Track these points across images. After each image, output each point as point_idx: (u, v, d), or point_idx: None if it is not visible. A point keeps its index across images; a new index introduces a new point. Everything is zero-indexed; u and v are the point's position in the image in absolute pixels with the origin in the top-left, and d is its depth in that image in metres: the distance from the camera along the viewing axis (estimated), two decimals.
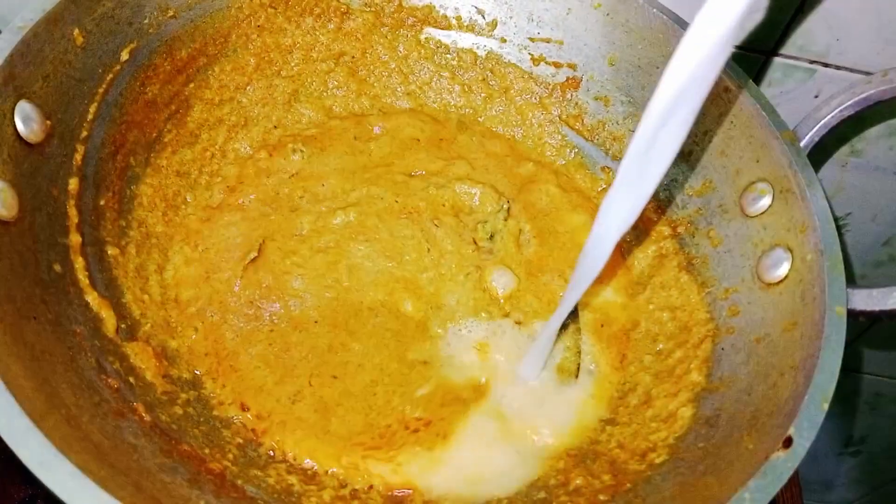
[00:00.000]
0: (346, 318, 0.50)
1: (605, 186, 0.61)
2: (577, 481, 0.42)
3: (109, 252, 0.46)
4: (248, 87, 0.57)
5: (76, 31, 0.44)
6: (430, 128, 0.62)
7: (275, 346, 0.48)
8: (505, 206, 0.57)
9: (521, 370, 0.50)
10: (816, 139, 0.52)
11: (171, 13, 0.52)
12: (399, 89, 0.63)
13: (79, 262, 0.42)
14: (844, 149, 0.74)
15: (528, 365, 0.49)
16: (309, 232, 0.54)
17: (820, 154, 0.75)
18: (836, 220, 0.82)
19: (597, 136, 0.61)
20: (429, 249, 0.54)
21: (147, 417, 0.39)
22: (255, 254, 0.52)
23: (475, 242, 0.56)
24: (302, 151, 0.57)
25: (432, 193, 0.57)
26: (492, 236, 0.56)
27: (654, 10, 0.55)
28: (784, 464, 0.35)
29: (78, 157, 0.45)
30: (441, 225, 0.55)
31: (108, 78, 0.47)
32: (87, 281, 0.42)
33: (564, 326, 0.48)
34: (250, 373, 0.47)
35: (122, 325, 0.43)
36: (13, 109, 0.39)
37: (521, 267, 0.55)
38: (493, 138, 0.63)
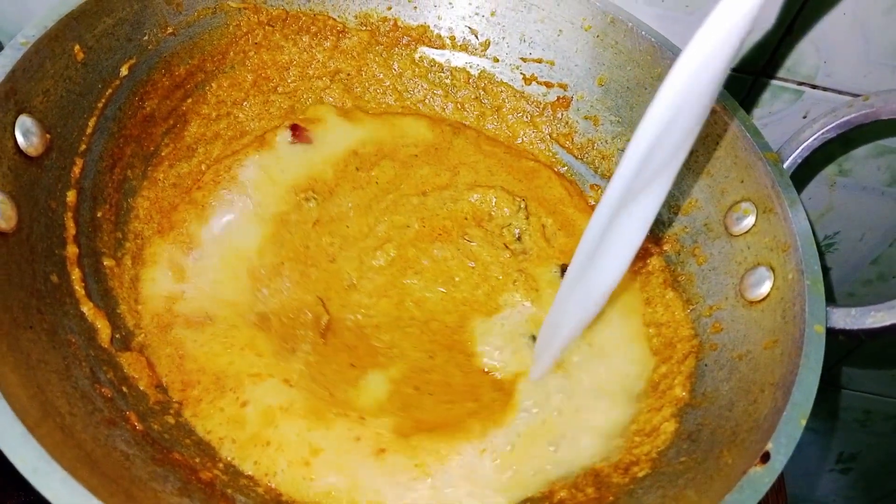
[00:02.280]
0: (445, 349, 0.51)
1: (594, 203, 0.62)
2: (562, 494, 0.43)
3: (105, 263, 0.46)
4: (245, 103, 0.58)
5: (77, 47, 0.45)
6: (425, 139, 0.62)
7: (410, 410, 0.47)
8: (522, 206, 0.58)
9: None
10: (800, 160, 0.53)
11: (170, 30, 0.53)
12: (394, 106, 0.64)
13: (75, 273, 0.43)
14: (832, 168, 0.75)
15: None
16: (359, 280, 0.53)
17: (807, 173, 0.76)
18: (824, 238, 0.83)
19: (586, 155, 0.63)
20: (472, 266, 0.55)
21: (139, 426, 0.39)
22: (327, 316, 0.51)
23: (506, 247, 0.57)
24: (315, 198, 0.56)
25: (451, 209, 0.57)
26: (519, 237, 0.57)
27: (643, 32, 0.56)
28: (761, 478, 0.36)
29: (76, 169, 0.45)
30: (472, 238, 0.56)
31: (107, 93, 0.48)
32: (83, 291, 0.43)
33: None
34: None
35: (117, 336, 0.44)
36: (14, 123, 0.40)
37: (556, 260, 0.57)
38: (487, 139, 0.63)
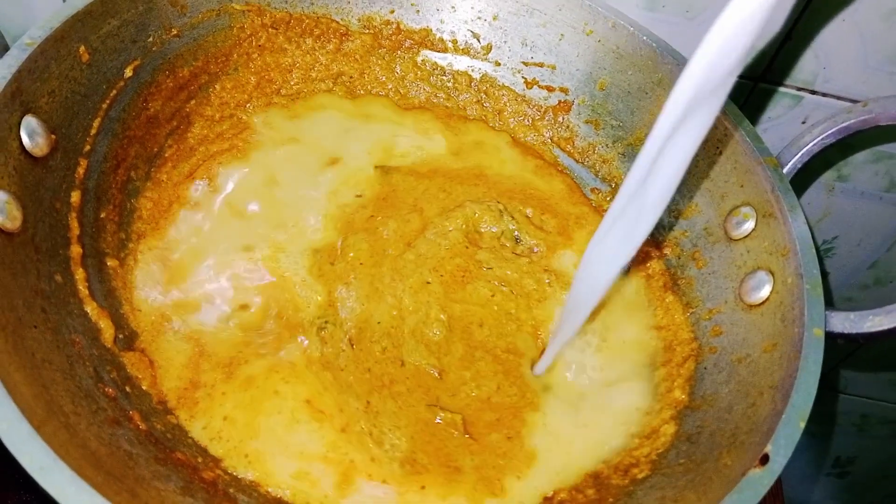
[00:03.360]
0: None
1: (594, 206, 0.62)
2: (562, 495, 0.43)
3: (109, 264, 0.47)
4: (248, 105, 0.58)
5: (82, 49, 0.45)
6: (371, 193, 0.58)
7: None
8: (500, 207, 0.57)
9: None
10: (799, 165, 0.53)
11: (174, 32, 0.53)
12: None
13: (79, 273, 0.43)
14: (831, 174, 0.76)
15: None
16: (441, 362, 0.50)
17: (806, 178, 0.76)
18: (823, 243, 0.84)
19: (587, 159, 0.63)
20: (505, 287, 0.54)
21: (143, 426, 0.40)
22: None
23: (517, 255, 0.56)
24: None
25: (447, 245, 0.55)
26: (518, 239, 0.57)
27: (644, 37, 0.57)
28: (760, 480, 0.36)
29: (80, 170, 0.46)
30: (488, 264, 0.55)
31: (111, 94, 0.48)
32: (87, 292, 0.43)
33: None
34: None
35: (120, 336, 0.44)
36: (19, 123, 0.40)
37: (561, 243, 0.57)
38: (417, 174, 0.60)
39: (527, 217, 0.58)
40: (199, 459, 0.41)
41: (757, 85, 0.67)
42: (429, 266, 0.53)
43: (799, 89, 0.67)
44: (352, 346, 0.49)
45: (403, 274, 0.52)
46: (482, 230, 0.57)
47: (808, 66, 0.65)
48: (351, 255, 0.53)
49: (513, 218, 0.57)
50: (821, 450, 1.23)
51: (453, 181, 0.59)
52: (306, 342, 0.48)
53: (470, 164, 0.61)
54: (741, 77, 0.66)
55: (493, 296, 0.53)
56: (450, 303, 0.52)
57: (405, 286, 0.52)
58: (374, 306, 0.51)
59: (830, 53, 0.64)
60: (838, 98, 0.67)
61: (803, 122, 0.70)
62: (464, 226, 0.56)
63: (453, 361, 0.50)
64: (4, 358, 0.33)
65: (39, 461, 0.30)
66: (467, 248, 0.55)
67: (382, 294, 0.51)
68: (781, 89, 0.67)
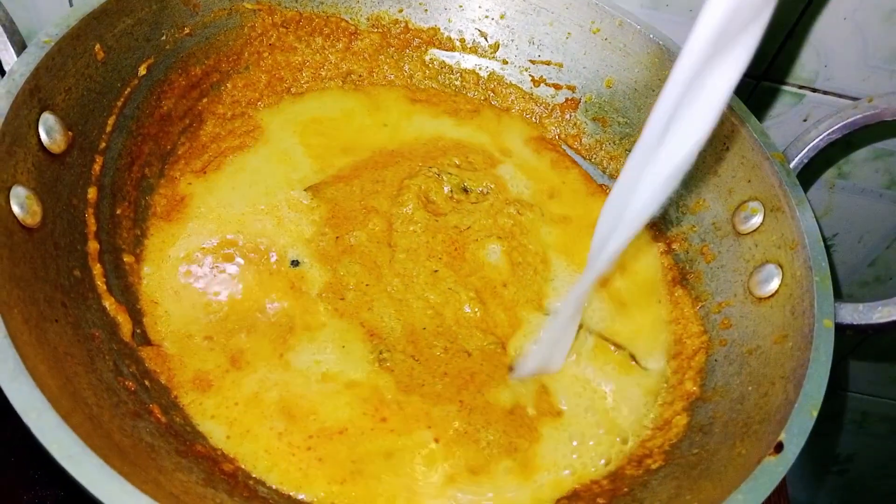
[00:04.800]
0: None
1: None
2: (576, 485, 0.44)
3: (125, 259, 0.47)
4: (259, 103, 0.59)
5: (97, 47, 0.46)
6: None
7: None
8: (434, 171, 0.57)
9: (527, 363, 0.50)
10: (805, 161, 0.54)
11: (186, 30, 0.54)
12: None
13: (97, 269, 0.44)
14: (832, 171, 0.76)
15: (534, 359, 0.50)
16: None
17: (808, 175, 0.77)
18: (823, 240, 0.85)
19: (594, 156, 0.64)
20: (492, 239, 0.55)
21: (163, 419, 0.40)
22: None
23: (473, 203, 0.57)
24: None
25: (423, 225, 0.55)
26: (466, 189, 0.58)
27: (651, 35, 0.57)
28: (775, 467, 0.37)
29: (96, 167, 0.46)
30: (463, 224, 0.56)
31: (126, 92, 0.49)
32: (105, 287, 0.44)
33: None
34: None
35: (138, 331, 0.45)
36: (38, 121, 0.41)
37: (490, 170, 0.59)
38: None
39: (457, 166, 0.59)
40: (219, 452, 0.41)
41: (759, 83, 0.68)
42: (423, 256, 0.54)
43: (800, 87, 0.68)
44: (417, 360, 0.48)
45: (409, 275, 0.52)
46: (434, 198, 0.57)
47: (809, 64, 0.66)
48: (352, 283, 0.51)
49: (449, 174, 0.58)
50: (820, 447, 1.24)
51: (378, 169, 0.58)
52: (374, 364, 0.47)
53: (377, 146, 0.60)
54: (743, 76, 0.67)
55: (491, 254, 0.54)
56: (465, 278, 0.53)
57: (420, 285, 0.52)
58: (409, 315, 0.50)
59: (831, 52, 0.65)
60: (839, 96, 0.68)
61: (804, 120, 0.71)
62: (419, 202, 0.56)
63: (506, 331, 0.51)
64: (30, 350, 0.33)
65: (68, 449, 0.30)
66: (436, 220, 0.56)
67: (407, 302, 0.51)
68: (783, 87, 0.68)
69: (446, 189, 0.57)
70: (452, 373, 0.48)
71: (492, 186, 0.58)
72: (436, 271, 0.53)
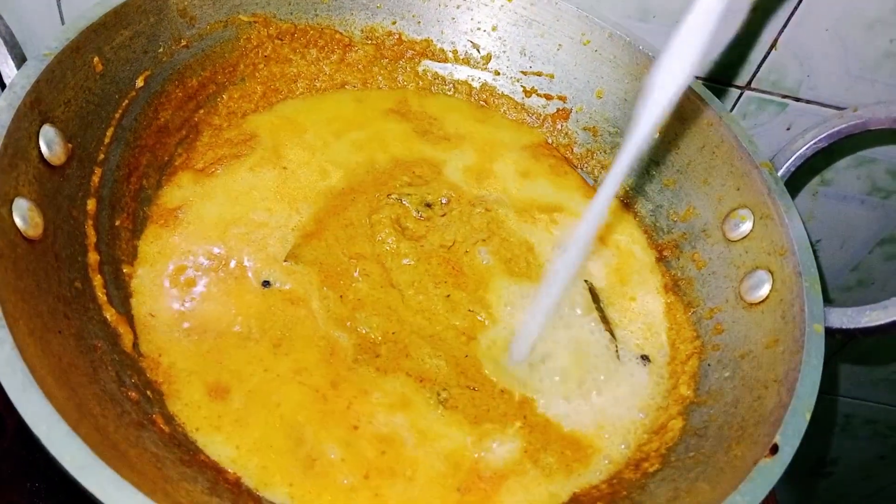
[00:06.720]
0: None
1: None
2: (575, 490, 0.44)
3: (124, 270, 0.47)
4: (255, 114, 0.59)
5: (96, 59, 0.46)
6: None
7: None
8: (393, 198, 0.57)
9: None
10: (793, 169, 0.56)
11: (183, 43, 0.54)
12: None
13: (97, 280, 0.44)
14: (815, 179, 0.78)
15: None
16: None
17: (793, 183, 0.78)
18: None
19: (585, 165, 0.65)
20: (476, 246, 0.56)
21: (166, 429, 0.40)
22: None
23: (442, 215, 0.57)
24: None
25: (416, 255, 0.54)
26: (428, 204, 0.57)
27: (640, 46, 0.59)
28: (772, 468, 0.38)
29: (95, 178, 0.46)
30: (444, 241, 0.55)
31: (124, 104, 0.49)
32: (105, 298, 0.44)
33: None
34: None
35: (138, 341, 0.45)
36: (38, 133, 0.41)
37: (436, 177, 0.59)
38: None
39: (409, 184, 0.58)
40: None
41: (743, 92, 0.69)
42: (430, 285, 0.53)
43: (784, 97, 0.69)
44: (475, 389, 0.48)
45: (428, 309, 0.52)
46: (407, 224, 0.56)
47: (792, 74, 0.67)
48: (379, 336, 0.49)
49: (408, 195, 0.57)
50: (806, 450, 1.25)
51: (339, 213, 0.56)
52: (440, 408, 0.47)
53: (337, 189, 0.58)
54: (728, 85, 0.68)
55: (483, 259, 0.55)
56: (479, 293, 0.53)
57: (442, 314, 0.52)
58: (447, 348, 0.50)
59: (814, 62, 0.66)
60: (822, 105, 0.70)
61: (788, 129, 0.72)
62: (396, 233, 0.55)
63: None
64: (37, 362, 0.34)
65: (80, 461, 0.30)
66: (420, 245, 0.55)
67: (439, 335, 0.51)
68: (767, 97, 0.70)
69: (414, 212, 0.56)
70: (508, 389, 0.49)
71: (452, 194, 0.58)
72: (448, 296, 0.52)
